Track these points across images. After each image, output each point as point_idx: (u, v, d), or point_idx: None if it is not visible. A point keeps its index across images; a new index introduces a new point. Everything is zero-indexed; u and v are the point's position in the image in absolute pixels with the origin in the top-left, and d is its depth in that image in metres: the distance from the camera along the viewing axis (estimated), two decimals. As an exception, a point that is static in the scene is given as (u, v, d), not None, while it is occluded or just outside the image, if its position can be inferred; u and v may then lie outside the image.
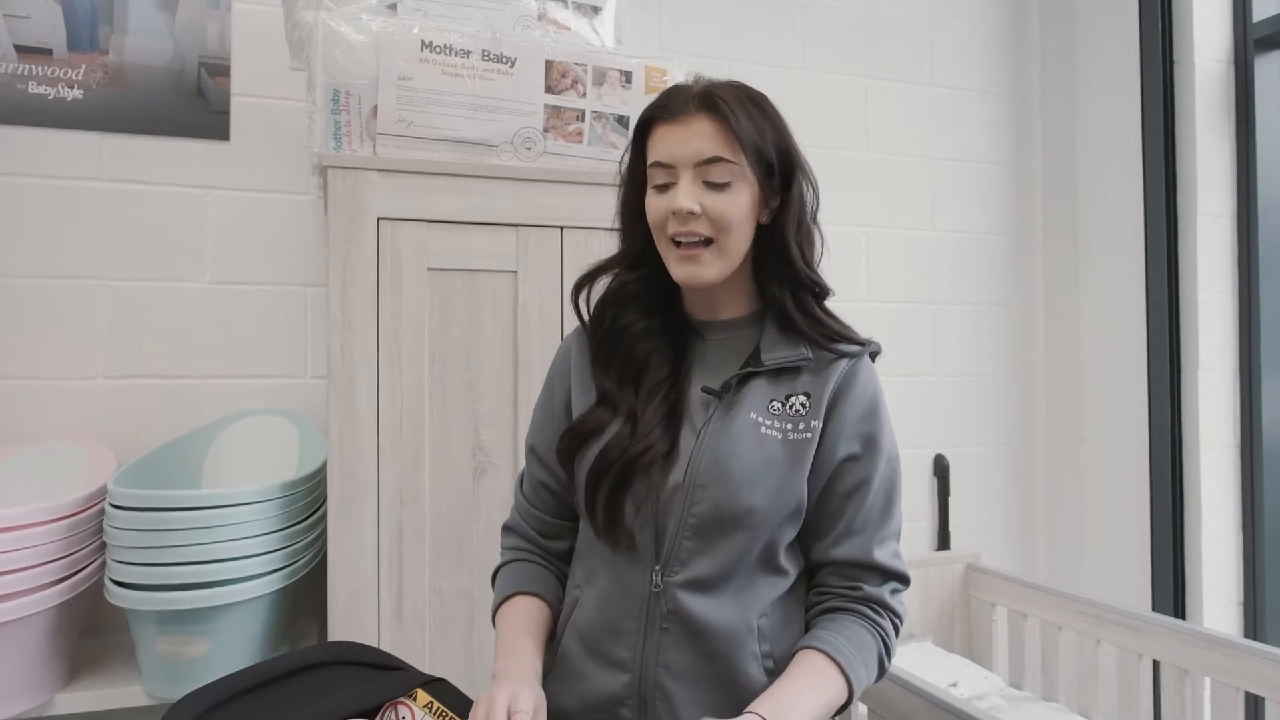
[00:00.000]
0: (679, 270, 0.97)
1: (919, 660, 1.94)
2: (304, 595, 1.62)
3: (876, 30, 2.40)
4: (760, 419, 0.95)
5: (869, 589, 0.95)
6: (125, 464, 1.61)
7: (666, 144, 0.95)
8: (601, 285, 1.08)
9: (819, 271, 1.01)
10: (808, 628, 0.97)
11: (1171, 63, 2.29)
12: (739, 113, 0.95)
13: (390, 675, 0.90)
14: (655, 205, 0.97)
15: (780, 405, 0.96)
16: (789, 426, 0.95)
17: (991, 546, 2.44)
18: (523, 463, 1.21)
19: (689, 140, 0.94)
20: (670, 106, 0.97)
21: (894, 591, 0.97)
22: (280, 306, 1.92)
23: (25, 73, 1.78)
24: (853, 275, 2.39)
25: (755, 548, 0.94)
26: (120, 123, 1.84)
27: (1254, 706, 1.71)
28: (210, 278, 1.89)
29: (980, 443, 2.49)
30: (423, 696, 0.87)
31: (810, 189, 1.01)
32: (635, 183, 1.02)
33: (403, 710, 0.85)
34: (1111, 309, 2.40)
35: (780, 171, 0.98)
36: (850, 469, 0.96)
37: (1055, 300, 2.54)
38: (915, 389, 2.43)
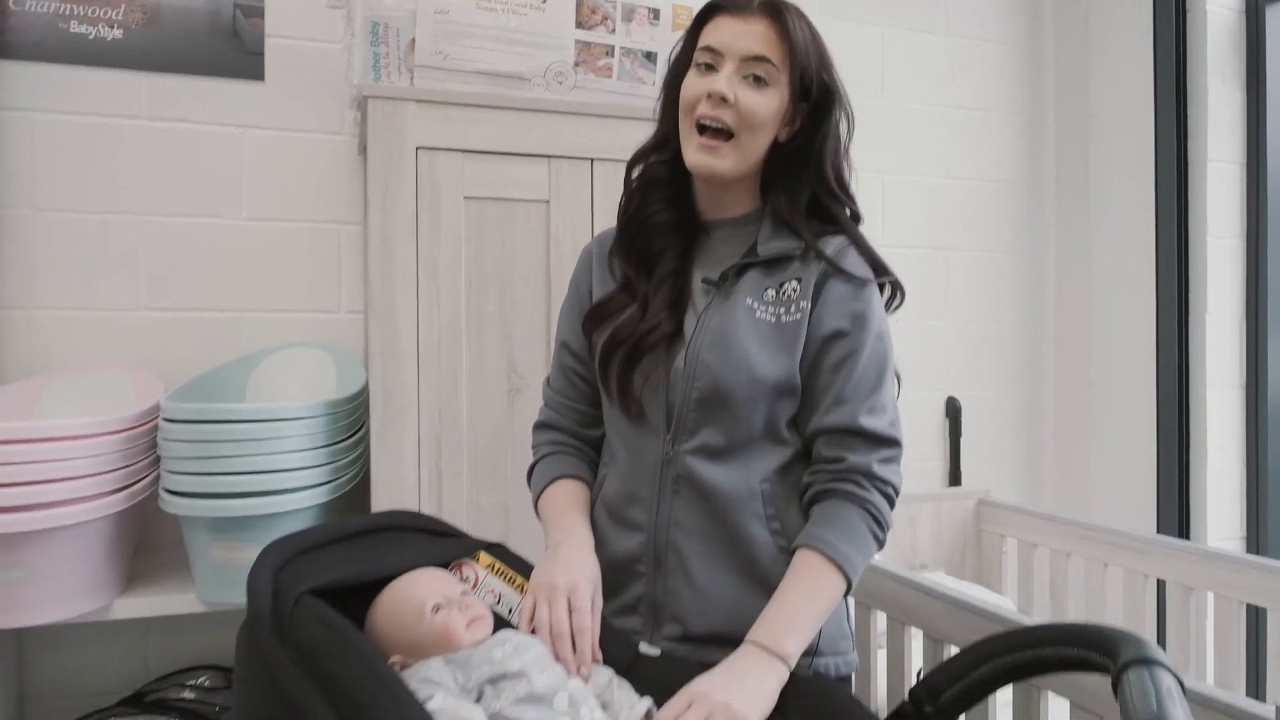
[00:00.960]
0: (695, 157, 1.03)
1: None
2: (348, 510, 1.69)
3: (893, -21, 2.44)
4: (755, 305, 1.02)
5: (855, 459, 0.99)
6: (171, 389, 1.67)
7: (721, 33, 1.02)
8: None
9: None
10: (805, 512, 1.02)
11: (1184, 11, 2.33)
12: (799, 28, 1.03)
13: (452, 540, 0.97)
14: (692, 85, 1.04)
15: (774, 293, 1.03)
16: (782, 310, 1.02)
17: (1001, 484, 2.51)
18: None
19: (744, 35, 1.01)
20: (737, 1, 1.04)
21: (883, 460, 1.00)
22: (315, 243, 1.98)
23: (67, 12, 1.83)
24: (867, 221, 2.41)
25: (756, 419, 1.01)
26: (158, 62, 1.89)
27: (1254, 618, 1.77)
28: (246, 214, 1.94)
29: (991, 386, 2.56)
30: (485, 558, 0.94)
31: (847, 122, 1.08)
32: (681, 64, 1.09)
33: (467, 570, 0.92)
34: (1122, 255, 2.45)
35: (815, 100, 1.05)
36: (838, 344, 1.01)
37: (1066, 247, 2.60)
38: (928, 333, 2.49)
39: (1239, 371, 2.32)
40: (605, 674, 0.86)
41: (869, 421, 1.00)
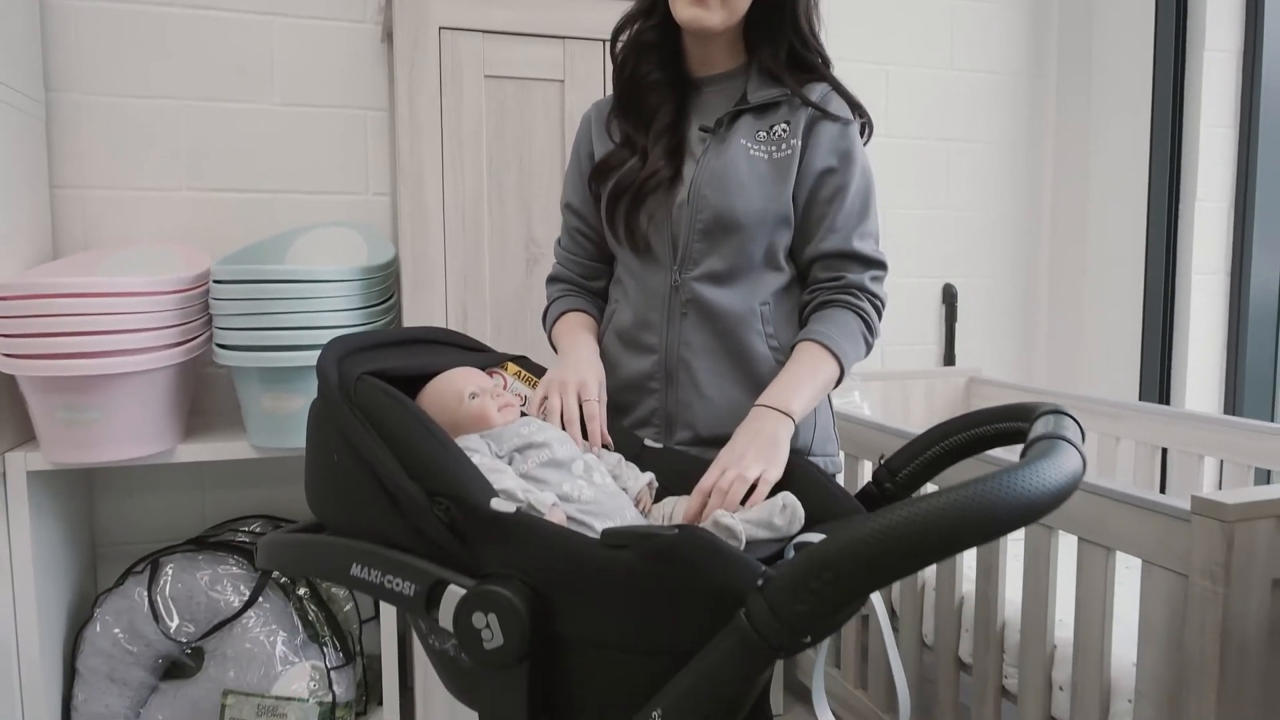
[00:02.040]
0: (686, 13, 1.11)
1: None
2: (381, 370, 1.85)
3: None
4: (749, 145, 1.14)
5: (850, 276, 1.12)
6: (216, 260, 1.82)
7: None
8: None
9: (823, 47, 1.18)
10: (804, 323, 1.15)
11: (1189, -101, 2.35)
12: None
13: (484, 353, 1.11)
14: None
15: (765, 134, 1.14)
16: (773, 148, 1.13)
17: (994, 366, 2.64)
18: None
19: None
20: None
21: (874, 278, 1.13)
22: (343, 128, 2.09)
23: (103, -100, 1.91)
24: (872, 112, 2.50)
25: (755, 247, 1.13)
26: (190, -50, 1.98)
27: (1217, 469, 1.92)
28: (278, 100, 2.05)
29: (988, 273, 2.67)
30: (512, 366, 1.09)
31: None
32: None
33: (496, 377, 1.07)
34: (1119, 145, 2.52)
35: None
36: (829, 179, 1.13)
37: (1065, 138, 2.67)
38: (927, 222, 2.59)
39: (1225, 258, 2.42)
40: (614, 456, 1.01)
41: (861, 245, 1.13)
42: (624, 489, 0.96)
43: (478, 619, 0.75)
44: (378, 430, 0.84)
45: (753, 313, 1.14)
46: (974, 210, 2.65)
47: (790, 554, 0.83)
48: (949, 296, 2.62)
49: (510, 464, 0.91)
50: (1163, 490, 2.11)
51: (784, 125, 1.14)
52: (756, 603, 0.63)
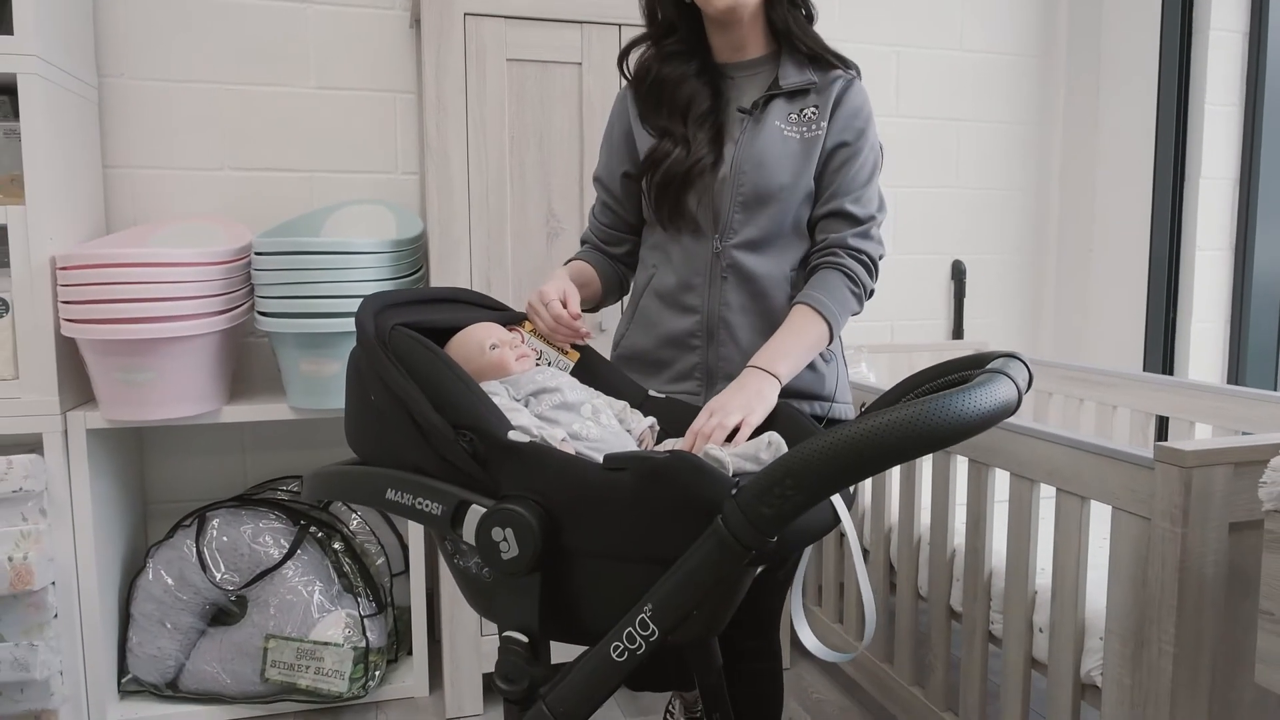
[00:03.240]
0: (722, 2, 1.21)
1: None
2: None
3: None
4: (783, 126, 1.25)
5: (834, 236, 1.24)
6: (257, 234, 1.94)
7: None
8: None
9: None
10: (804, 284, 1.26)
11: (1197, -120, 2.39)
12: None
13: (503, 312, 1.22)
14: None
15: (797, 116, 1.25)
16: (804, 129, 1.25)
17: (1002, 341, 2.72)
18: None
19: None
20: None
21: (857, 235, 1.23)
22: (374, 110, 2.21)
23: (150, -105, 2.03)
24: (882, 93, 2.59)
25: (786, 218, 1.25)
26: (230, -58, 2.10)
27: (1189, 431, 1.99)
28: (314, 83, 2.17)
29: (996, 250, 2.74)
30: (527, 325, 1.19)
31: None
32: None
33: (515, 333, 1.18)
34: (1127, 124, 2.57)
35: None
36: (841, 152, 1.25)
37: (1073, 117, 2.72)
38: (937, 199, 2.67)
39: (1229, 234, 2.47)
40: (620, 403, 1.11)
41: (851, 206, 1.24)
42: (628, 430, 1.07)
43: (496, 533, 0.86)
44: (410, 373, 0.95)
45: (785, 277, 1.26)
46: (983, 188, 2.72)
47: (772, 484, 0.93)
48: (958, 272, 2.69)
49: (526, 406, 1.02)
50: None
51: (814, 109, 1.25)
52: (730, 508, 0.73)
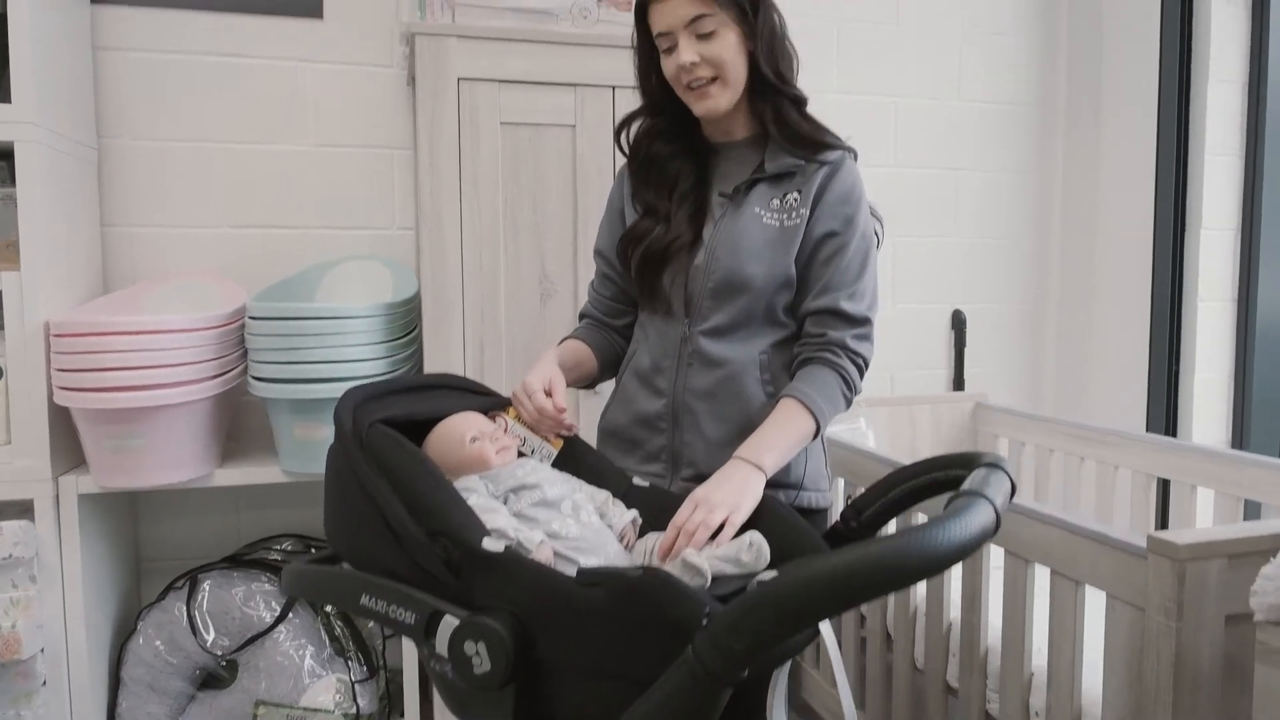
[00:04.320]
0: (698, 107, 1.24)
1: (925, 477, 2.23)
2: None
3: (910, -93, 2.54)
4: (762, 212, 1.24)
5: (833, 334, 1.21)
6: (252, 294, 1.94)
7: (660, 17, 1.21)
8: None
9: (795, 83, 1.27)
10: (791, 377, 1.24)
11: (1193, -66, 2.40)
12: None
13: (489, 397, 1.21)
14: (667, 66, 1.24)
15: (779, 202, 1.24)
16: (784, 216, 1.23)
17: (1003, 392, 2.69)
18: (582, 289, 1.52)
19: (674, 9, 1.20)
20: None
21: (856, 337, 1.21)
22: (371, 167, 2.22)
23: (151, -41, 2.06)
24: (880, 142, 2.59)
25: (757, 306, 1.24)
26: (232, 3, 2.11)
27: (1191, 495, 1.96)
28: (313, 141, 2.18)
29: (996, 299, 2.72)
30: (513, 410, 1.18)
31: (775, 15, 1.25)
32: (644, 53, 1.29)
33: (498, 420, 1.17)
34: (1126, 173, 2.56)
35: (750, 9, 1.21)
36: (829, 242, 1.23)
37: (1073, 166, 2.72)
38: (936, 249, 2.66)
39: (1232, 285, 2.45)
40: (603, 494, 1.10)
41: (848, 305, 1.22)
42: (609, 525, 1.05)
43: (469, 647, 0.85)
44: (385, 474, 0.94)
45: (752, 361, 1.24)
46: (983, 238, 2.71)
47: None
48: (958, 322, 2.67)
49: (505, 503, 1.01)
50: (1162, 519, 2.15)
51: (796, 194, 1.24)
52: (702, 640, 0.71)
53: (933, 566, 0.67)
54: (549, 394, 1.16)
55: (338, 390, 1.75)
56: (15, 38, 1.68)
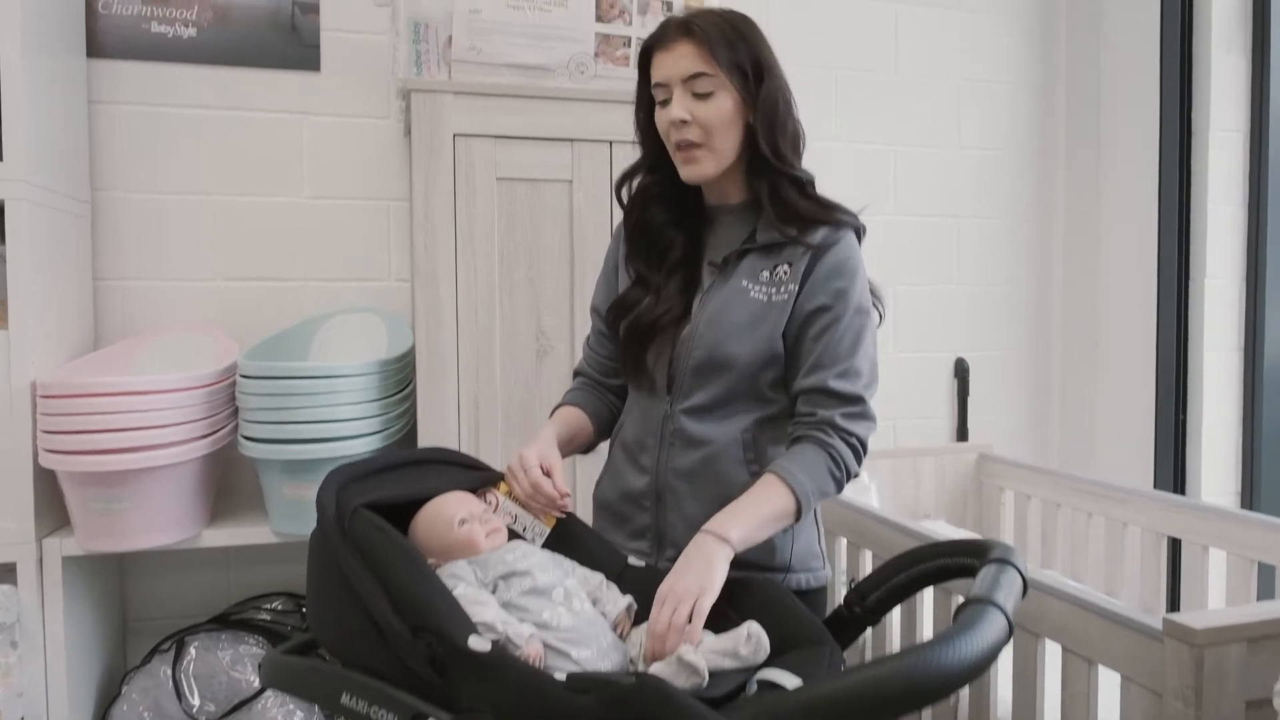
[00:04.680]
0: (683, 170, 1.21)
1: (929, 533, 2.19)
2: (397, 456, 1.92)
3: (908, -43, 2.55)
4: (750, 285, 1.19)
5: (823, 413, 1.14)
6: (245, 349, 1.91)
7: (661, 67, 1.18)
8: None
9: (799, 162, 1.22)
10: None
11: (1191, -17, 2.40)
12: (713, 34, 1.16)
13: (480, 471, 1.18)
14: (660, 118, 1.21)
15: (768, 274, 1.20)
16: (773, 290, 1.18)
17: (1008, 441, 2.65)
18: (579, 345, 1.49)
19: (676, 61, 1.16)
20: (660, 36, 1.19)
21: (847, 415, 1.14)
22: (367, 218, 2.20)
23: (148, 14, 2.06)
24: (881, 191, 2.58)
25: (741, 384, 1.19)
26: (227, 56, 2.11)
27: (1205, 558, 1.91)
28: (308, 193, 2.17)
29: (999, 347, 2.69)
30: (504, 486, 1.15)
31: (780, 88, 1.20)
32: (643, 103, 1.25)
33: (490, 495, 1.13)
34: (1128, 221, 2.55)
35: (754, 78, 1.17)
36: (820, 317, 1.17)
37: (1074, 213, 2.70)
38: (938, 297, 2.63)
39: (1237, 335, 2.42)
40: (596, 577, 1.06)
41: (837, 384, 1.15)
42: (603, 613, 1.01)
43: (452, 753, 0.81)
44: (369, 565, 0.90)
45: (734, 441, 1.19)
46: (985, 285, 2.68)
47: (753, 688, 0.87)
48: (961, 370, 2.64)
49: (494, 591, 0.97)
50: (1173, 580, 2.10)
51: (786, 267, 1.19)
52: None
53: (943, 689, 0.63)
54: (547, 473, 1.12)
55: (330, 450, 1.74)
56: (8, 93, 1.67)
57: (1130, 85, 2.54)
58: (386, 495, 1.02)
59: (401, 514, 1.06)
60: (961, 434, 2.63)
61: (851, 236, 1.21)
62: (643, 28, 1.87)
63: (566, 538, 1.13)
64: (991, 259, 2.68)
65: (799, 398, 1.18)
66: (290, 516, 1.79)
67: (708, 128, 1.16)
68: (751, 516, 1.07)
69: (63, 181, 1.86)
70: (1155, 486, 2.42)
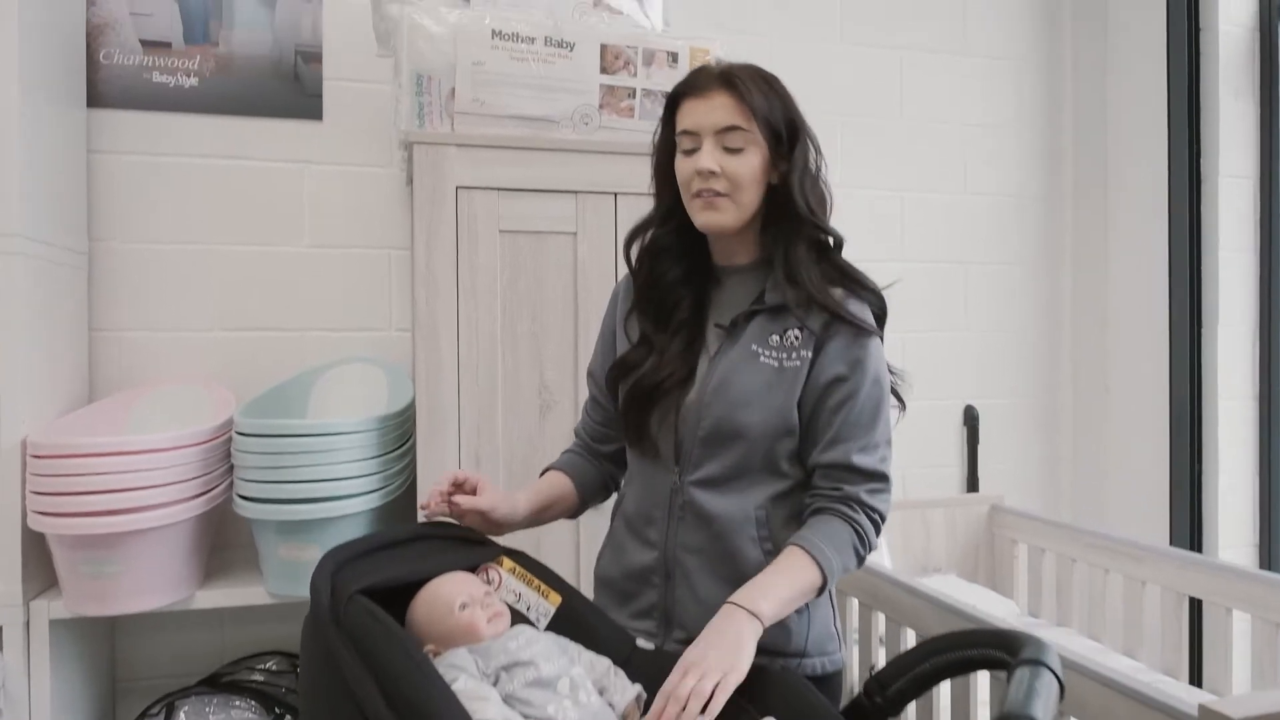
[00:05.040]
0: (701, 217, 1.16)
1: (941, 588, 2.13)
2: (398, 513, 1.88)
3: (911, 3, 2.54)
4: (760, 350, 1.15)
5: (848, 489, 1.11)
6: (243, 402, 1.87)
7: (693, 115, 1.15)
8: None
9: (829, 223, 1.19)
10: (801, 527, 1.14)
11: (1197, 28, 2.39)
12: (752, 89, 1.13)
13: (479, 547, 1.13)
14: (683, 167, 1.17)
15: (778, 338, 1.15)
16: (784, 356, 1.14)
17: (1018, 490, 2.60)
18: (582, 400, 1.45)
19: (711, 111, 1.13)
20: (695, 84, 1.16)
21: (871, 491, 1.12)
22: (367, 267, 2.17)
23: (150, 64, 2.04)
24: (888, 237, 2.55)
25: (754, 455, 1.14)
26: (229, 106, 2.10)
27: (1229, 620, 1.86)
28: (308, 242, 2.14)
29: (1009, 394, 2.65)
30: (507, 562, 1.10)
31: (813, 152, 1.18)
32: (665, 148, 1.22)
33: (492, 572, 1.08)
34: (1137, 267, 2.52)
35: (787, 139, 1.16)
36: (838, 388, 1.12)
37: (1083, 259, 2.67)
38: (947, 344, 2.59)
39: (1252, 382, 2.38)
40: (603, 663, 1.01)
41: (860, 459, 1.12)
42: (611, 704, 0.96)
43: None
44: (363, 657, 0.86)
45: (748, 518, 1.14)
46: (994, 331, 2.65)
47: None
48: (970, 418, 2.60)
49: (496, 683, 0.92)
50: (1195, 644, 2.04)
51: (797, 332, 1.14)
52: None
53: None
54: (471, 491, 1.16)
55: (327, 510, 1.69)
56: (5, 146, 1.65)
57: (1137, 131, 2.53)
58: (383, 579, 0.97)
59: (400, 595, 1.01)
60: (972, 483, 2.58)
61: (866, 307, 1.17)
62: (648, 79, 1.85)
63: (572, 617, 1.08)
64: (1000, 305, 2.65)
65: (819, 471, 1.14)
66: (286, 577, 1.74)
67: (736, 181, 1.13)
68: (781, 591, 1.03)
69: (60, 234, 1.83)
70: (1170, 537, 2.37)
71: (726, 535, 1.14)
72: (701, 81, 1.15)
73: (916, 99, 2.56)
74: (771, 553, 1.13)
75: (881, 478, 1.14)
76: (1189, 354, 2.39)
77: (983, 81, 2.62)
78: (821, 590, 1.08)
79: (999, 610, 2.09)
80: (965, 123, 2.61)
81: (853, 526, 1.11)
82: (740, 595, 1.02)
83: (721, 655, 0.95)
